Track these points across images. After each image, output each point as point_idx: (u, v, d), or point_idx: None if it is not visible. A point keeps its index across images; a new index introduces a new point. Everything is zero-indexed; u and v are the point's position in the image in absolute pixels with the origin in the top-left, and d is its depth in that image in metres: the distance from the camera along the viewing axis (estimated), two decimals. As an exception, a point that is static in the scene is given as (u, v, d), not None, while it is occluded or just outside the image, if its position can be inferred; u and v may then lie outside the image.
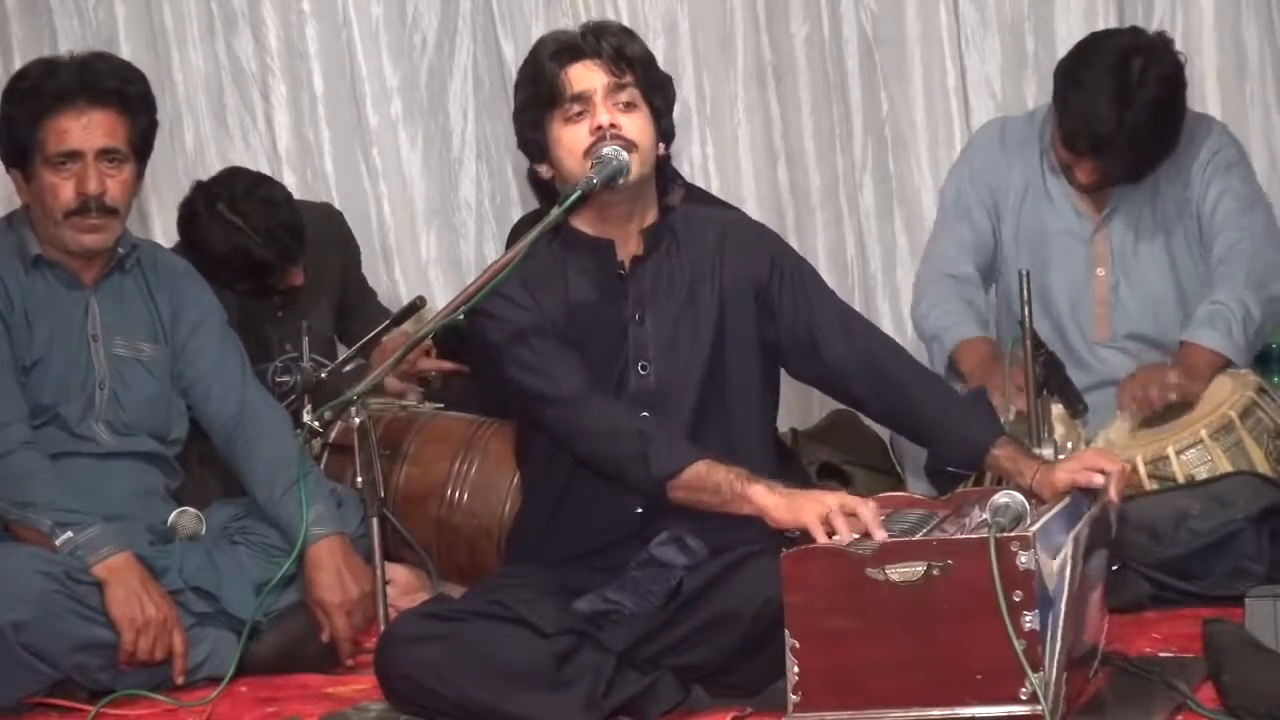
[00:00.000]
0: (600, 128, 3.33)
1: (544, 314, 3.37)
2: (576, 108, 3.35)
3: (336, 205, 5.26)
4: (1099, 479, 3.20)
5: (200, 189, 4.71)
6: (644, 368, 3.40)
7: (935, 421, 3.40)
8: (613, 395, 3.37)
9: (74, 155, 3.80)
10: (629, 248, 3.43)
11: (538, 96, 3.38)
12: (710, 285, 3.44)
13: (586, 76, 3.35)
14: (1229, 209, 4.34)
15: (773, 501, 3.17)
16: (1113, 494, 3.22)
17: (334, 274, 4.94)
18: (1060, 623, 2.91)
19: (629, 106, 3.37)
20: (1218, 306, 4.24)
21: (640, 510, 3.36)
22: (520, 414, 3.51)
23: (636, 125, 3.36)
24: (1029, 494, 3.21)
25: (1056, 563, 2.96)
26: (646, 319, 3.41)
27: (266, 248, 4.62)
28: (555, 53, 3.37)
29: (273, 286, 4.71)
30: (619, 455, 3.30)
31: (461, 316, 3.25)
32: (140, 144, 3.88)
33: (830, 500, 3.10)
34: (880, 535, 2.99)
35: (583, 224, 3.42)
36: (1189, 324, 4.29)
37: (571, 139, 3.36)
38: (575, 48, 3.36)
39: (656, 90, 3.41)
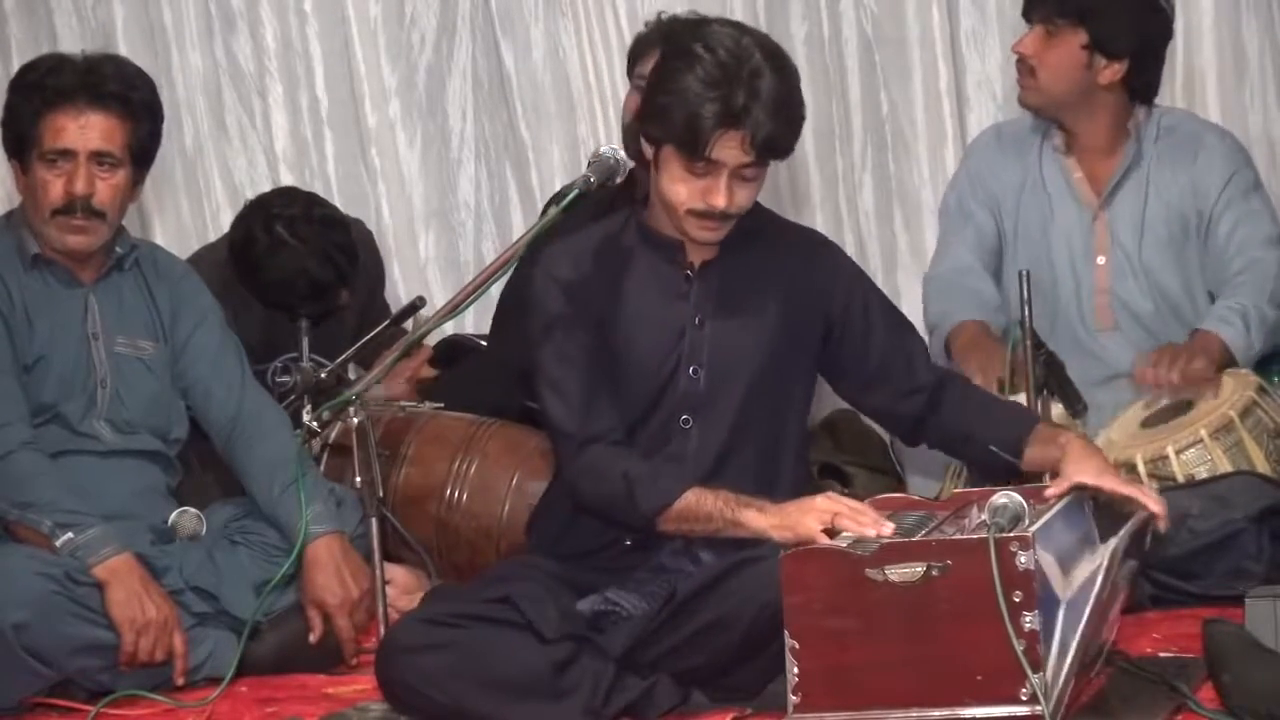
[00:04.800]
0: (714, 208, 3.28)
1: (592, 306, 3.36)
2: (704, 167, 3.27)
3: (337, 205, 5.26)
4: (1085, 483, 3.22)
5: (255, 210, 4.68)
6: (695, 371, 3.40)
7: (981, 419, 3.44)
8: (655, 397, 3.38)
9: (67, 154, 3.80)
10: (703, 251, 3.41)
11: (680, 139, 3.26)
12: (777, 300, 3.43)
13: (728, 150, 3.25)
14: (1254, 234, 4.33)
15: (769, 522, 3.17)
16: (1160, 518, 3.23)
17: (360, 292, 4.93)
18: (1081, 628, 2.92)
19: (749, 180, 3.32)
20: (1242, 307, 4.24)
21: (630, 543, 3.37)
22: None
23: (747, 195, 3.32)
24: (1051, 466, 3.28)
25: (1088, 570, 2.96)
26: (706, 323, 3.40)
27: (325, 271, 4.60)
28: (718, 114, 3.22)
29: (328, 310, 4.69)
30: (608, 496, 3.31)
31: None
32: (139, 150, 3.87)
33: (821, 503, 3.13)
34: (888, 529, 3.02)
35: (658, 222, 3.41)
36: (1208, 316, 4.28)
37: (686, 192, 3.30)
38: (737, 117, 3.23)
39: (789, 153, 3.36)
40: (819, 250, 3.53)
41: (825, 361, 3.49)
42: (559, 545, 3.45)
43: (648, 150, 3.35)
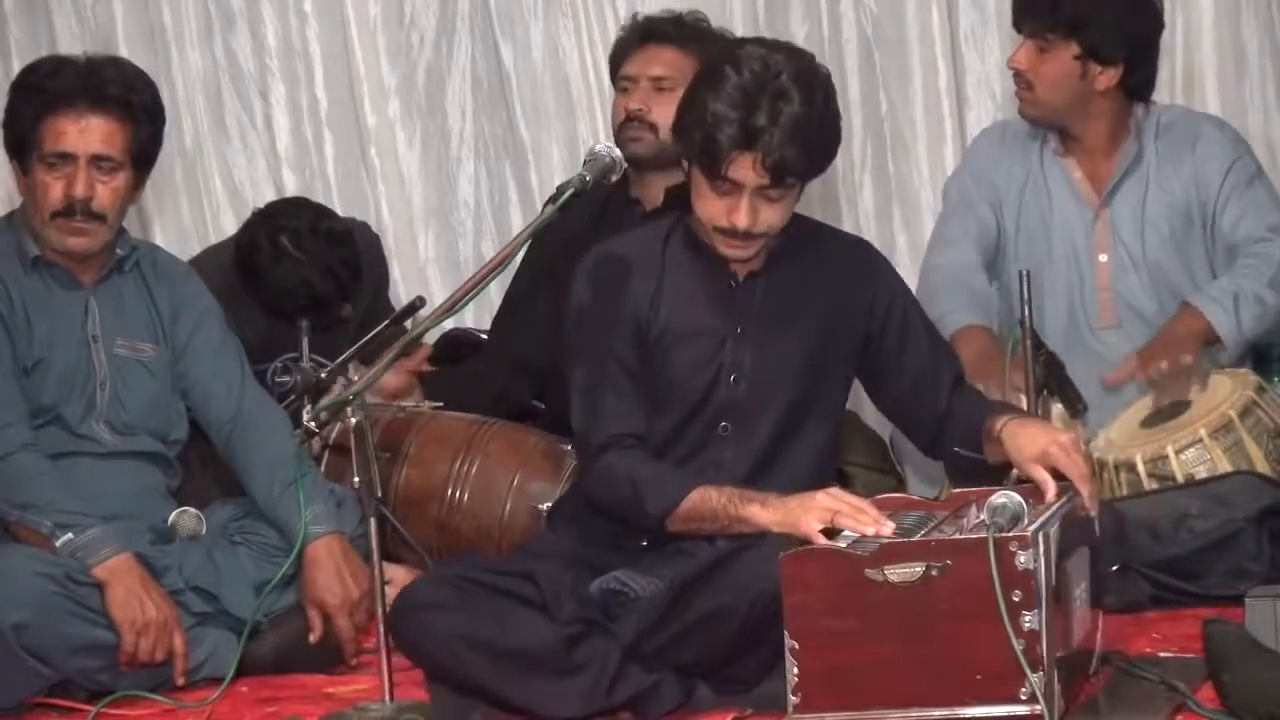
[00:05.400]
0: (735, 227, 3.31)
1: (631, 310, 3.39)
2: (726, 186, 3.30)
3: (336, 206, 5.26)
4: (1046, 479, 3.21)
5: (262, 220, 4.69)
6: (736, 380, 3.42)
7: (962, 422, 3.44)
8: (695, 404, 3.41)
9: (67, 157, 3.80)
10: (747, 262, 3.42)
11: (698, 159, 3.31)
12: (819, 310, 3.45)
13: (744, 171, 3.27)
14: (1259, 221, 4.34)
15: (771, 518, 3.19)
16: (1086, 502, 3.21)
17: (364, 296, 4.92)
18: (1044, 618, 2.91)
19: (774, 201, 3.33)
20: (1236, 287, 4.25)
21: (645, 544, 3.39)
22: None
23: (776, 215, 3.34)
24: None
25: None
26: (749, 333, 3.42)
27: (327, 284, 4.60)
28: (734, 136, 3.25)
29: (330, 322, 4.69)
30: (617, 500, 3.35)
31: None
32: (139, 153, 3.87)
33: (822, 499, 3.15)
34: (888, 528, 3.04)
35: (703, 230, 3.42)
36: (1200, 292, 4.30)
37: (712, 209, 3.33)
38: (752, 139, 3.25)
39: (811, 176, 3.38)
40: (863, 260, 3.55)
41: (861, 370, 3.52)
42: (583, 531, 3.46)
43: (684, 166, 3.39)
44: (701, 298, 3.43)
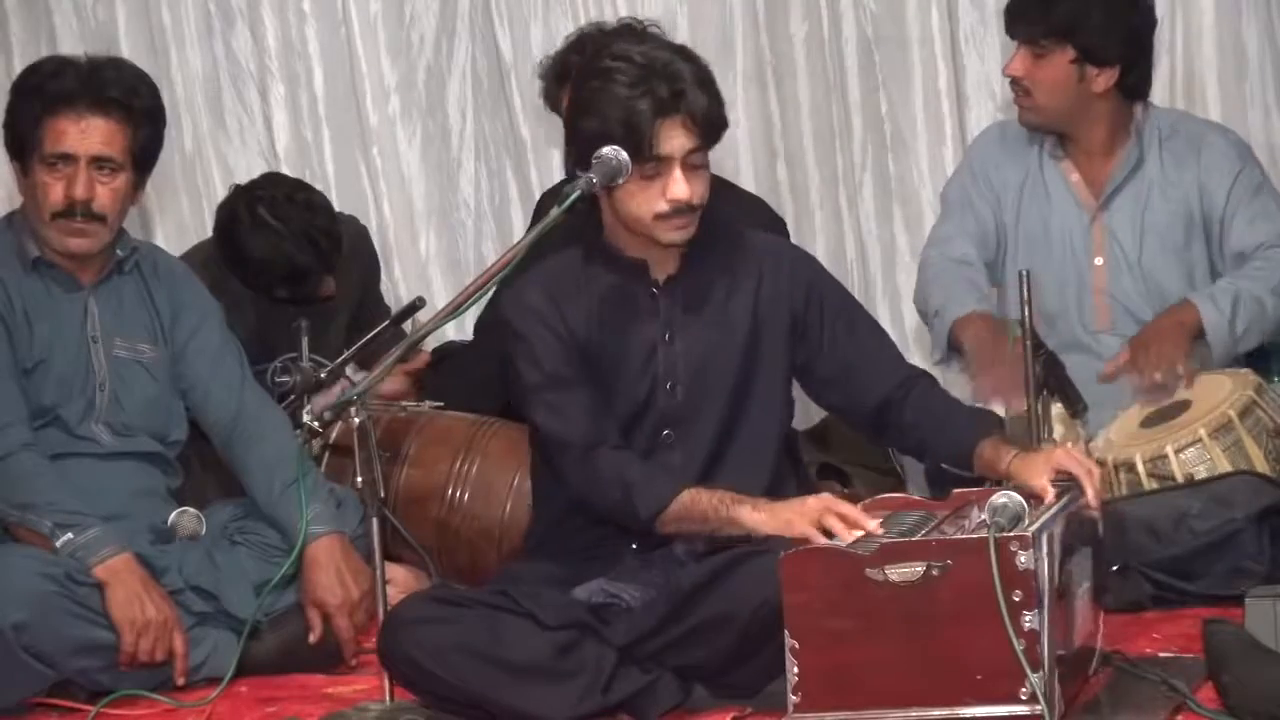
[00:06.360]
0: (678, 201, 3.30)
1: (568, 330, 3.38)
2: (654, 167, 3.30)
3: (336, 204, 5.26)
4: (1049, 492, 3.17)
5: (240, 192, 4.69)
6: (671, 387, 3.42)
7: (935, 429, 3.42)
8: (635, 416, 3.40)
9: (67, 158, 3.80)
10: (665, 267, 3.43)
11: (622, 144, 3.27)
12: (744, 307, 3.44)
13: (673, 139, 3.28)
14: (1267, 230, 4.33)
15: (759, 519, 3.20)
16: (1090, 498, 3.19)
17: (354, 288, 4.93)
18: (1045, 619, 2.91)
19: (698, 168, 3.34)
20: (1237, 289, 4.25)
21: (635, 546, 3.39)
22: (534, 445, 3.54)
23: (702, 184, 3.34)
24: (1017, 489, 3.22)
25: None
26: (676, 338, 3.43)
27: (306, 253, 4.60)
28: (654, 106, 3.26)
29: (310, 294, 4.69)
30: (608, 503, 3.34)
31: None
32: (140, 155, 3.87)
33: (814, 504, 3.16)
34: (874, 526, 3.04)
35: (619, 241, 3.42)
36: (1201, 290, 4.30)
37: (646, 199, 3.32)
38: (672, 103, 3.27)
39: (722, 131, 3.38)
40: (777, 251, 3.55)
41: (798, 361, 3.50)
42: (559, 547, 3.46)
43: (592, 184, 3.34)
44: (626, 310, 3.42)
